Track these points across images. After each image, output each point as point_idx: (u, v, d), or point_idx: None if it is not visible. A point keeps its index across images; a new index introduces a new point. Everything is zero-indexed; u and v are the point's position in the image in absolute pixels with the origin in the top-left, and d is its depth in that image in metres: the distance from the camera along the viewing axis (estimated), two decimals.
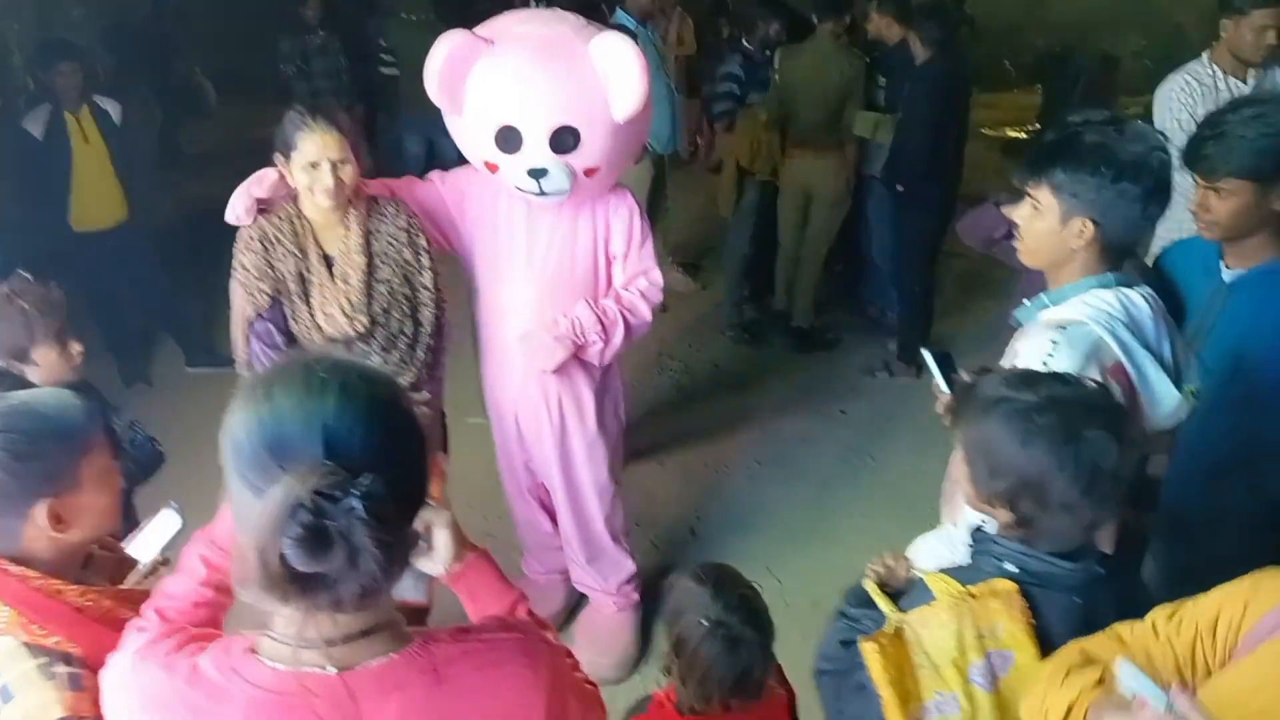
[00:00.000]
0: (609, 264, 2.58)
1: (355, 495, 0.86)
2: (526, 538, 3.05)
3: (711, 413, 4.33)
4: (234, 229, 2.34)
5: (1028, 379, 1.34)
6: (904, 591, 1.42)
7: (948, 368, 1.85)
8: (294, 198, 2.33)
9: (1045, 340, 1.60)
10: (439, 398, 2.55)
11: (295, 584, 0.88)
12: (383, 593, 0.95)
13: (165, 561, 1.62)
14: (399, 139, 5.75)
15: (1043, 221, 1.67)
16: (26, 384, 2.00)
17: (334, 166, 2.22)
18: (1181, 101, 3.22)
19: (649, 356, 4.65)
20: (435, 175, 2.63)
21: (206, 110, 7.95)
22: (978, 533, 1.41)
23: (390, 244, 2.37)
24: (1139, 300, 1.65)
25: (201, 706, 0.97)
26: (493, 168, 2.39)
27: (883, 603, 1.37)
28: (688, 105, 5.25)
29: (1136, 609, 1.41)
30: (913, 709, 1.30)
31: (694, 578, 1.65)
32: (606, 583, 2.93)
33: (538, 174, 2.32)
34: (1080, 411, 1.28)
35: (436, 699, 0.98)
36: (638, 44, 4.57)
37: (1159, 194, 1.62)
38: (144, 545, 1.64)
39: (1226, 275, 2.05)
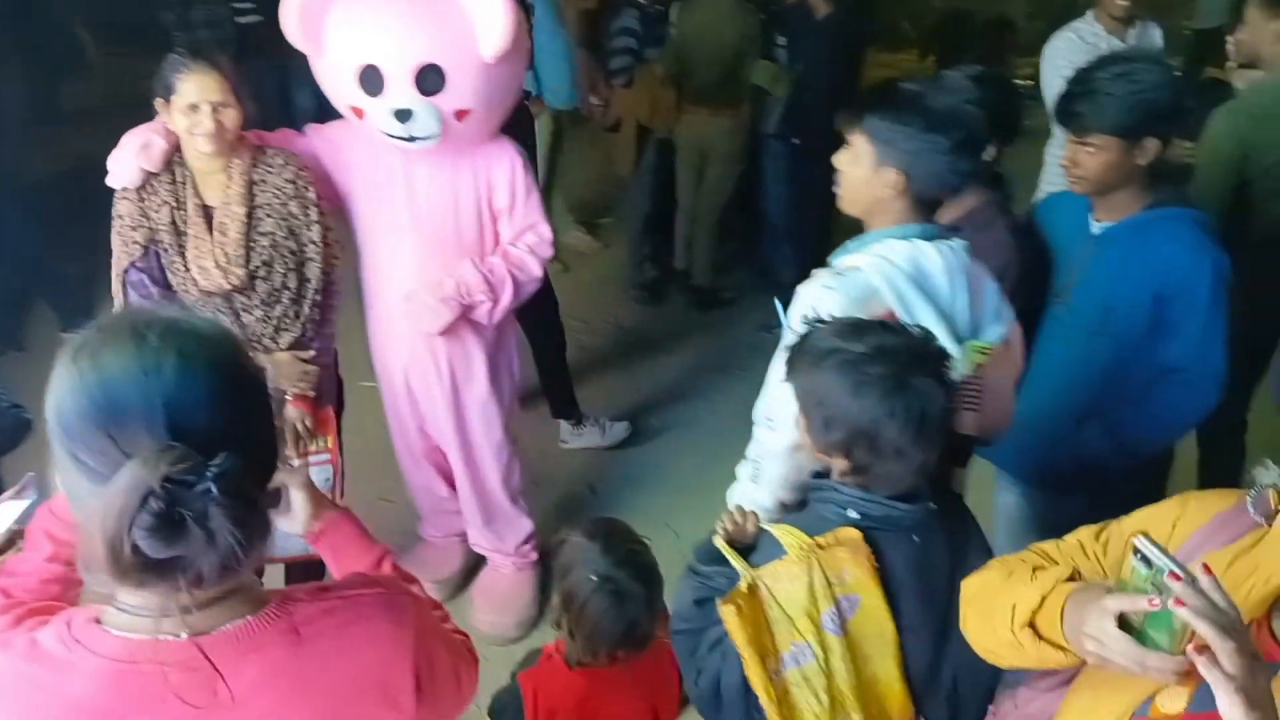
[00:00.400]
0: (494, 219, 2.53)
1: (209, 478, 0.82)
2: (422, 502, 3.04)
3: (612, 371, 4.34)
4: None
5: (857, 329, 1.38)
6: (754, 546, 1.45)
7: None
8: (176, 146, 2.25)
9: (819, 287, 1.63)
10: (329, 354, 2.51)
11: (151, 570, 0.84)
12: (242, 565, 0.89)
13: (20, 534, 1.55)
14: (285, 91, 5.54)
15: (858, 168, 1.70)
16: None
17: (214, 109, 2.16)
18: (1067, 58, 3.35)
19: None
20: (311, 128, 2.56)
21: (85, 64, 7.54)
22: (817, 479, 1.45)
23: (275, 196, 2.30)
24: (932, 253, 1.66)
25: (43, 682, 0.92)
26: (359, 113, 2.33)
27: (734, 559, 1.41)
28: (587, 60, 5.17)
29: (966, 543, 1.48)
30: (771, 663, 1.34)
31: (584, 533, 1.67)
32: (504, 543, 2.94)
33: (403, 115, 2.26)
34: (907, 360, 1.33)
35: (297, 659, 0.96)
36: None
37: (969, 147, 1.65)
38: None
39: (1095, 229, 2.12)
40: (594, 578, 1.59)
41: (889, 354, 1.33)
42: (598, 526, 1.69)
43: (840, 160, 1.75)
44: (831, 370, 1.35)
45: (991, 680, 1.57)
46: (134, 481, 0.80)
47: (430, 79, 2.24)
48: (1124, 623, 0.95)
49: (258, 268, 2.28)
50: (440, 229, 2.49)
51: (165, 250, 2.25)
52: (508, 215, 2.52)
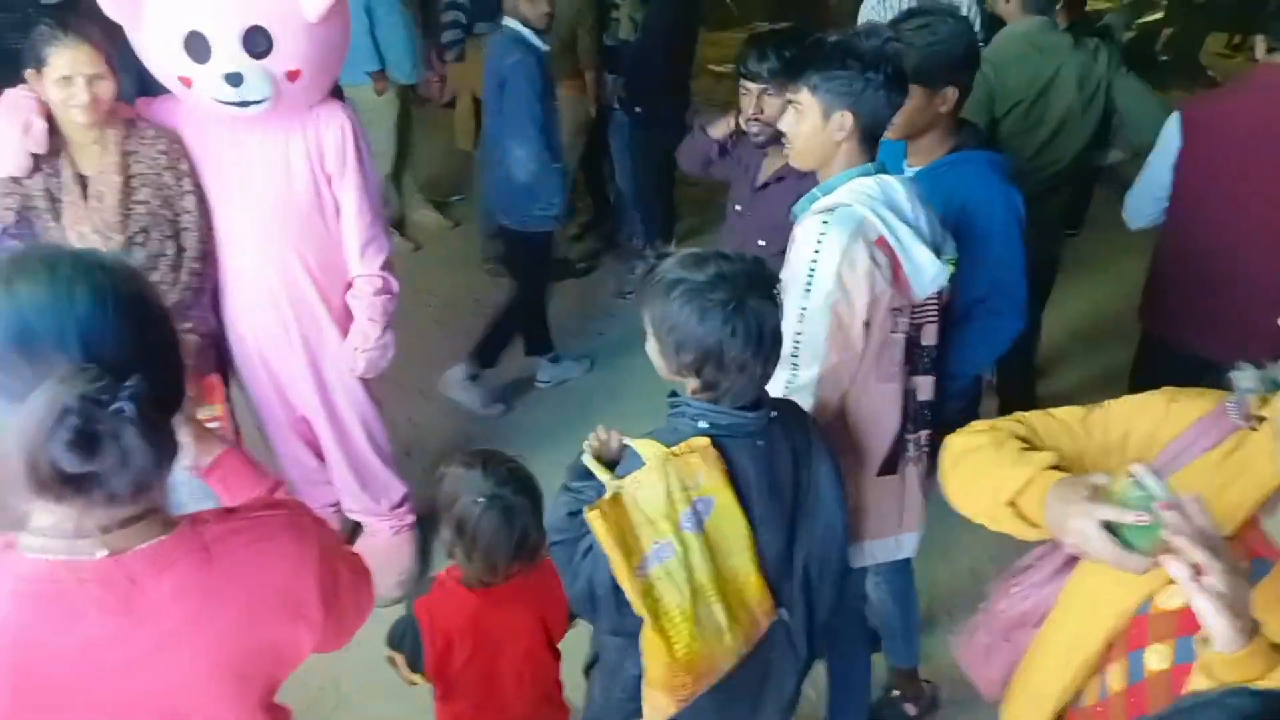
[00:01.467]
0: (328, 182, 2.53)
1: (123, 397, 0.87)
2: (293, 474, 3.00)
3: (472, 343, 4.39)
4: None
5: (698, 260, 1.50)
6: (618, 461, 1.57)
7: None
8: (49, 115, 2.23)
9: (817, 223, 1.79)
10: (208, 323, 2.54)
11: (68, 485, 0.88)
12: (154, 485, 0.96)
13: None
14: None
15: (806, 122, 1.84)
16: None
17: (89, 81, 2.18)
18: (875, 12, 3.73)
19: (407, 294, 4.62)
20: (141, 103, 2.50)
21: None
22: (672, 398, 1.58)
23: (149, 166, 2.33)
24: (895, 184, 1.84)
25: None
26: (186, 82, 2.30)
27: (601, 473, 1.52)
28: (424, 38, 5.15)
29: (809, 444, 1.65)
30: (635, 561, 1.46)
31: (462, 463, 1.77)
32: (379, 505, 2.96)
33: (234, 79, 2.25)
34: (744, 283, 1.46)
35: (208, 575, 1.01)
36: None
37: (899, 79, 1.83)
38: None
39: (907, 172, 2.25)
40: (481, 499, 1.69)
41: (727, 280, 1.46)
42: (474, 455, 1.79)
43: (787, 121, 1.88)
44: (679, 299, 1.47)
45: (840, 568, 1.76)
46: (52, 399, 0.85)
47: (258, 40, 2.23)
48: (1107, 525, 1.05)
49: (135, 234, 2.30)
50: (276, 197, 2.48)
51: (40, 216, 2.25)
52: (339, 179, 2.53)
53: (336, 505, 3.04)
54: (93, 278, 0.93)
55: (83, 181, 2.29)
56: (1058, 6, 3.37)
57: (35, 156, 2.23)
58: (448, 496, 1.75)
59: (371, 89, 4.63)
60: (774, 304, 1.48)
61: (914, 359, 1.97)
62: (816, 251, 1.78)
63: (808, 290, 1.79)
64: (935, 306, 1.98)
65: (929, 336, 1.99)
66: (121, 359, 0.91)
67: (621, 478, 1.50)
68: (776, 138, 2.47)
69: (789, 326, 1.78)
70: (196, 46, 2.23)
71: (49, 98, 2.19)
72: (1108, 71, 3.05)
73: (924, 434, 2.07)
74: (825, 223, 1.78)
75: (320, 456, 2.93)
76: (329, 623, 1.14)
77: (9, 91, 2.25)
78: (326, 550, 1.14)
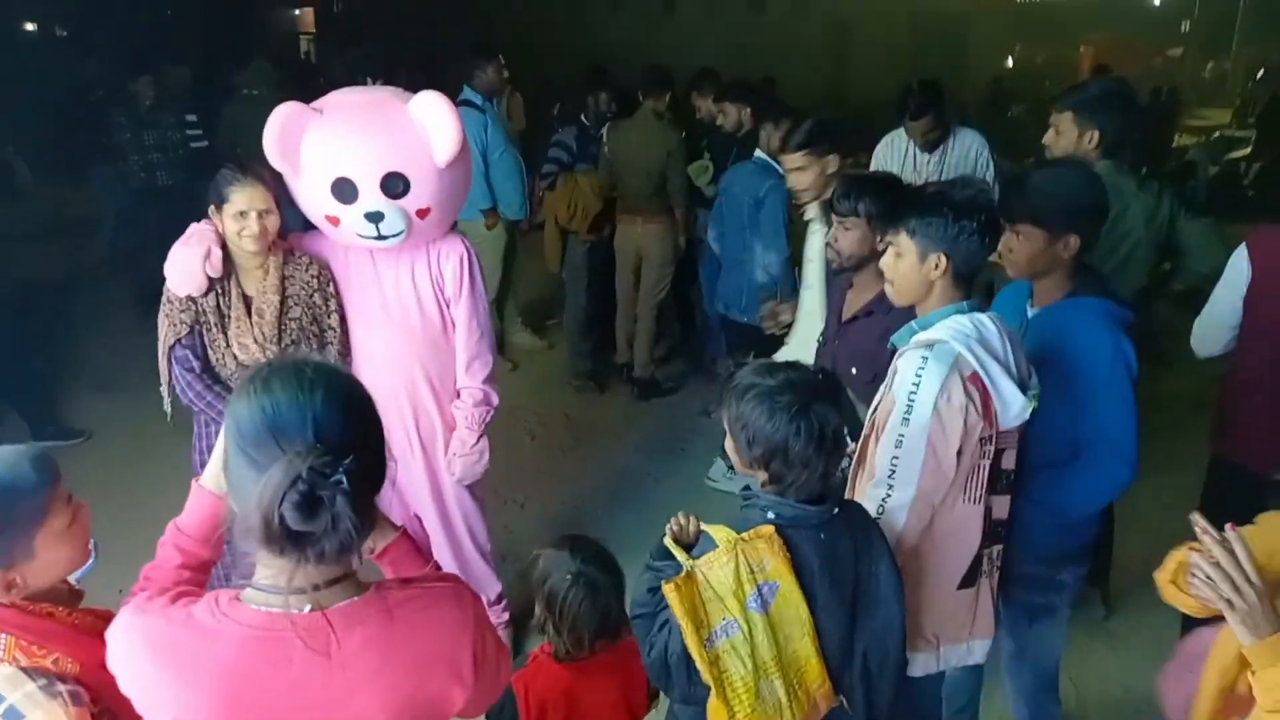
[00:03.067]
0: (447, 305, 2.86)
1: (341, 472, 1.11)
2: None
3: (565, 457, 4.63)
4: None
5: (770, 369, 1.72)
6: (694, 544, 1.76)
7: None
8: (222, 243, 2.63)
9: (917, 357, 1.96)
10: None
11: (290, 540, 1.11)
12: (354, 550, 1.18)
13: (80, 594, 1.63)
14: None
15: (905, 262, 2.04)
16: None
17: (259, 216, 2.57)
18: (882, 156, 4.25)
19: (504, 410, 4.92)
20: (293, 236, 2.88)
21: (18, 189, 7.88)
22: (745, 491, 1.77)
23: (303, 289, 2.71)
24: (988, 322, 1.99)
25: (196, 645, 1.18)
26: (334, 220, 2.65)
27: (678, 553, 1.71)
28: None
29: (870, 542, 1.80)
30: (705, 633, 1.62)
31: (554, 545, 2.00)
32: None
33: (375, 218, 2.60)
34: (809, 390, 1.67)
35: (390, 633, 1.23)
36: (487, 117, 4.96)
37: (991, 226, 2.03)
38: None
39: (1029, 312, 2.38)
40: (569, 576, 1.91)
41: (794, 386, 1.67)
42: (563, 539, 2.02)
43: (886, 262, 2.10)
44: (751, 400, 1.68)
45: (899, 660, 1.87)
46: (288, 469, 1.10)
47: (395, 184, 2.59)
48: None
49: (287, 346, 2.66)
50: (406, 316, 2.83)
51: (210, 329, 2.64)
52: (456, 302, 2.86)
53: None
54: (328, 380, 1.20)
55: (246, 300, 2.67)
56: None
57: (209, 279, 2.62)
58: (540, 575, 1.96)
59: (484, 224, 5.07)
60: (836, 410, 1.68)
61: (994, 480, 2.10)
62: (916, 384, 1.93)
63: (906, 419, 1.94)
64: (1016, 434, 2.11)
65: (1008, 461, 2.13)
66: (343, 443, 1.15)
67: (696, 558, 1.68)
68: (854, 266, 2.71)
69: (886, 450, 1.97)
70: (343, 190, 2.60)
71: (225, 229, 2.59)
72: (1170, 210, 3.20)
73: (997, 549, 2.19)
74: (925, 357, 1.94)
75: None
76: (477, 685, 1.31)
77: (194, 225, 2.66)
78: (480, 622, 1.34)
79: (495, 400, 2.98)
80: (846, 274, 2.77)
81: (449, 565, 3.10)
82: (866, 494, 2.03)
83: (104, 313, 6.06)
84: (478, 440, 2.95)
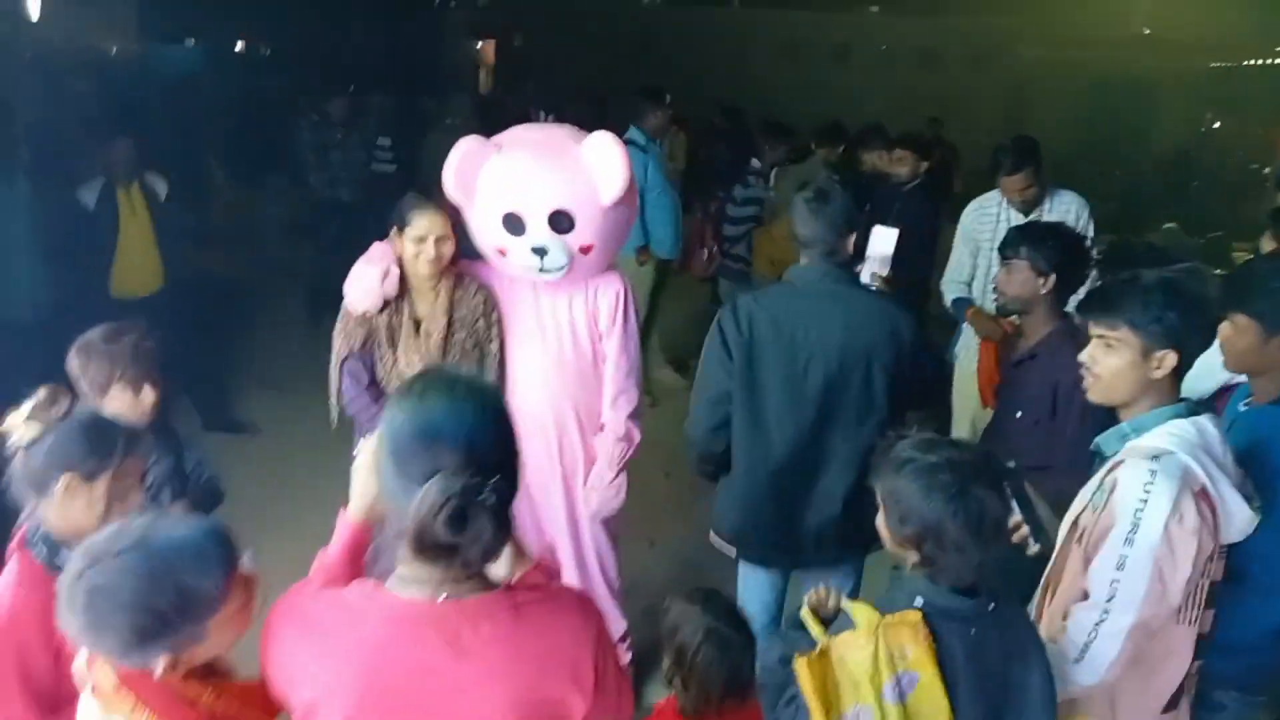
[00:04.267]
0: (600, 338, 2.91)
1: (489, 491, 1.20)
2: None
3: (697, 498, 4.56)
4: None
5: (931, 444, 1.63)
6: (833, 619, 1.67)
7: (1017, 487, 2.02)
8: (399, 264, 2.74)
9: (1144, 470, 1.77)
10: None
11: (440, 550, 1.22)
12: (494, 558, 1.29)
13: None
14: None
15: (1119, 358, 1.86)
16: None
17: (438, 241, 2.69)
18: (971, 222, 4.07)
19: (641, 446, 4.93)
20: (463, 263, 2.95)
21: (214, 190, 8.52)
22: (895, 571, 1.67)
23: (469, 313, 2.80)
24: (1209, 426, 1.83)
25: (343, 622, 1.29)
26: (502, 251, 2.76)
27: (814, 627, 1.63)
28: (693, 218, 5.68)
29: (1026, 650, 1.67)
30: (834, 717, 1.54)
31: (686, 598, 1.96)
32: None
33: (540, 251, 2.68)
34: (970, 471, 1.57)
35: (515, 629, 1.29)
36: (649, 158, 5.04)
37: (1213, 325, 1.90)
38: None
39: (1241, 407, 2.22)
40: (701, 631, 1.87)
41: (955, 465, 1.57)
42: (695, 592, 1.98)
43: (1093, 356, 1.91)
44: (908, 475, 1.59)
45: None
46: (444, 486, 1.19)
47: (561, 220, 2.68)
48: None
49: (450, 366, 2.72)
50: (560, 347, 2.89)
51: (379, 346, 2.77)
52: (608, 336, 2.91)
53: None
54: (480, 396, 1.30)
55: (416, 321, 2.79)
56: None
57: (385, 298, 2.75)
58: (670, 626, 1.93)
59: (636, 260, 5.13)
60: (999, 496, 1.57)
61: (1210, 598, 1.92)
62: (1144, 501, 1.75)
63: (1130, 539, 1.76)
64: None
65: (1217, 572, 1.93)
66: (491, 460, 1.23)
67: (833, 635, 1.59)
68: (1017, 309, 2.61)
69: (1105, 571, 1.80)
70: (513, 223, 2.70)
71: (404, 251, 2.72)
72: None
73: (1196, 664, 1.98)
74: (1153, 471, 1.76)
75: None
76: (597, 696, 1.34)
77: (376, 245, 2.80)
78: (602, 636, 1.39)
79: (637, 437, 2.99)
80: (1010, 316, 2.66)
81: None
82: (1074, 615, 1.85)
83: (278, 316, 6.41)
84: (616, 475, 2.95)
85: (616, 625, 3.15)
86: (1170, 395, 1.86)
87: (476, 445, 1.23)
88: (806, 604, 1.71)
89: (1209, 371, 2.51)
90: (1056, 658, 1.78)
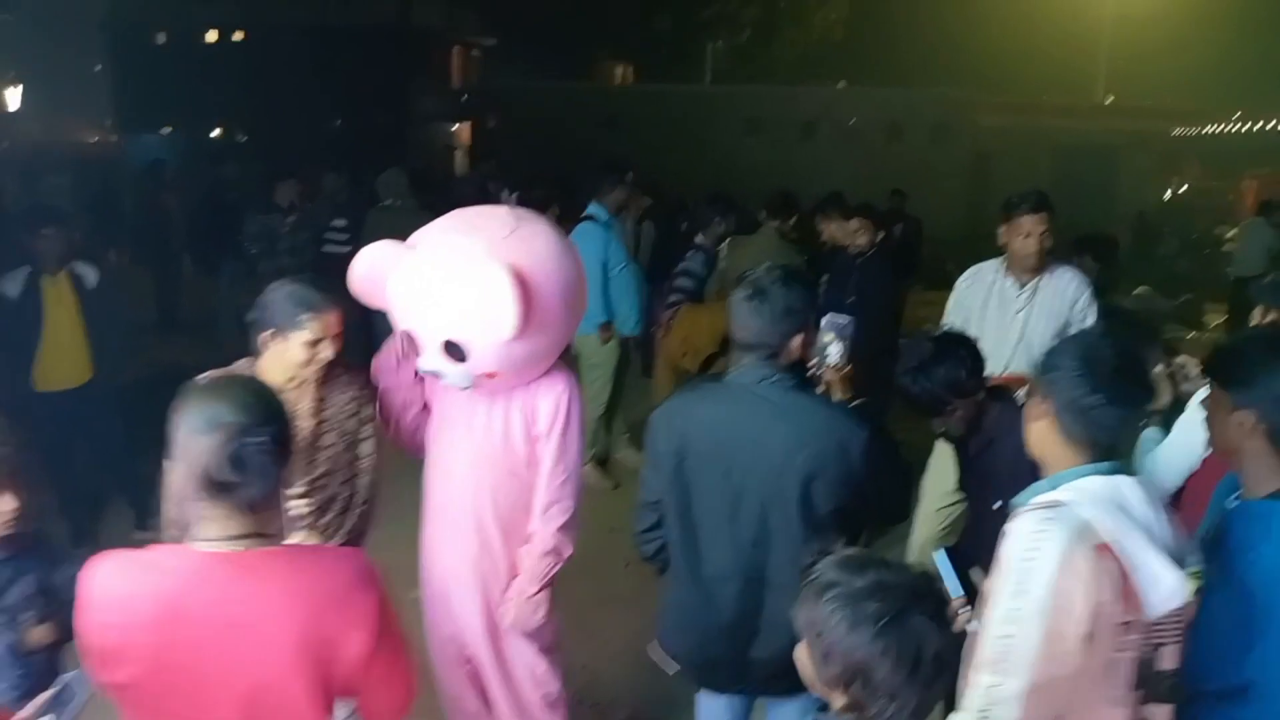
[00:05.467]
0: (535, 442, 2.65)
1: (263, 438, 1.45)
2: (452, 713, 2.98)
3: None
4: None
5: (859, 564, 1.39)
6: None
7: (960, 565, 1.89)
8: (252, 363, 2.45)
9: (1035, 521, 1.68)
10: None
11: (223, 488, 1.44)
12: (275, 501, 1.55)
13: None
14: (365, 314, 6.04)
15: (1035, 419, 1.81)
16: None
17: (332, 341, 2.40)
18: (964, 290, 3.87)
19: (599, 530, 4.68)
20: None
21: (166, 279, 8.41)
22: (820, 714, 1.44)
23: (338, 411, 2.51)
24: (1132, 486, 1.72)
25: (145, 578, 1.48)
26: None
27: None
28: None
29: None
30: None
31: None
32: None
33: (436, 373, 2.49)
34: (905, 596, 1.34)
35: (295, 573, 1.51)
36: (610, 234, 4.91)
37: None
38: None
39: (1230, 503, 1.97)
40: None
41: (887, 590, 1.34)
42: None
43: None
44: (831, 602, 1.36)
45: None
46: (226, 434, 1.44)
47: (455, 350, 2.44)
48: None
49: (317, 478, 2.44)
50: (491, 447, 2.63)
51: None
52: (544, 440, 2.64)
53: None
54: (248, 380, 1.67)
55: None
56: None
57: None
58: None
59: (598, 338, 4.96)
60: (939, 626, 1.34)
61: (1149, 684, 1.73)
62: (1032, 550, 1.64)
63: (1016, 593, 1.64)
64: (1178, 625, 1.74)
65: (1169, 659, 1.75)
66: (262, 419, 1.48)
67: None
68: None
69: (995, 628, 1.66)
70: (412, 341, 2.51)
71: (288, 358, 2.39)
72: None
73: None
74: (1047, 519, 1.66)
75: (485, 699, 2.89)
76: (380, 647, 1.53)
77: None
78: (385, 596, 1.56)
79: (566, 552, 2.71)
80: None
81: (508, 714, 2.83)
82: (969, 680, 1.67)
83: None
84: (537, 591, 2.67)
85: None
86: (1080, 456, 1.75)
87: (250, 408, 1.48)
88: None
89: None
90: None
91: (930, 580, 1.42)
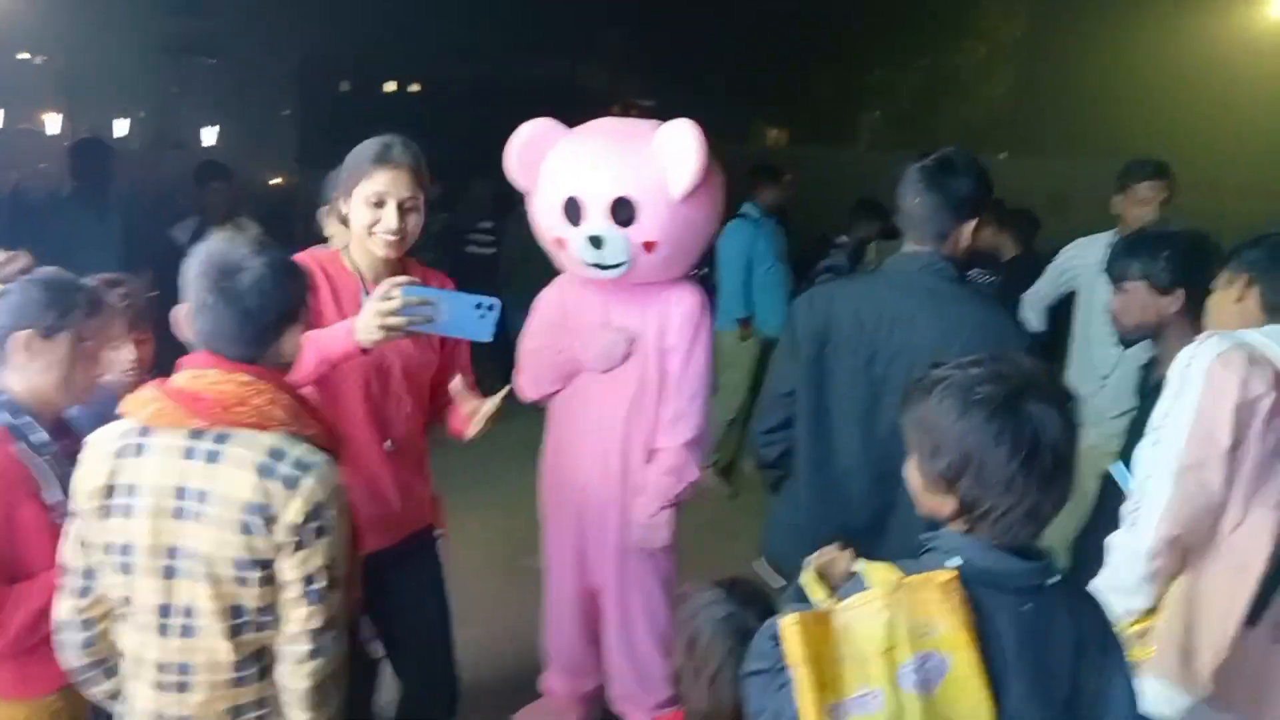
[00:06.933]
0: (666, 355, 2.60)
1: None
2: (558, 651, 2.90)
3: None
4: None
5: (975, 360, 1.28)
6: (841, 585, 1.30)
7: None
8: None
9: (1215, 340, 1.78)
10: None
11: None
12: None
13: None
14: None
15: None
16: None
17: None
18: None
19: (723, 535, 4.56)
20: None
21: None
22: (926, 534, 1.30)
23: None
24: None
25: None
26: (561, 244, 2.55)
27: (817, 592, 1.27)
28: None
29: (1103, 636, 1.26)
30: (829, 699, 1.16)
31: (707, 586, 1.64)
32: (647, 699, 2.75)
33: (596, 242, 2.45)
34: (1021, 384, 1.21)
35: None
36: (760, 232, 4.90)
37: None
38: None
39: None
40: (717, 619, 1.54)
41: (1002, 377, 1.22)
42: (722, 580, 1.64)
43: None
44: (939, 394, 1.24)
45: None
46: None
47: (623, 210, 2.44)
48: None
49: None
50: (626, 361, 2.60)
51: None
52: (674, 351, 2.59)
53: (585, 696, 2.90)
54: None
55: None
56: None
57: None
58: (685, 616, 1.62)
59: (737, 334, 4.86)
60: (1061, 415, 1.20)
61: None
62: (1193, 355, 1.77)
63: (1175, 394, 1.76)
64: None
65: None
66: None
67: (840, 600, 1.23)
68: (1140, 338, 2.35)
69: (1153, 421, 1.79)
70: (572, 210, 2.50)
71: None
72: None
73: None
74: (1225, 338, 1.77)
75: (593, 641, 2.82)
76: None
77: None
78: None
79: (691, 475, 2.62)
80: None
81: (619, 653, 2.76)
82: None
83: None
84: (658, 511, 2.60)
85: (662, 689, 2.70)
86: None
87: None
88: (811, 568, 1.34)
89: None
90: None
91: (1051, 372, 1.29)
